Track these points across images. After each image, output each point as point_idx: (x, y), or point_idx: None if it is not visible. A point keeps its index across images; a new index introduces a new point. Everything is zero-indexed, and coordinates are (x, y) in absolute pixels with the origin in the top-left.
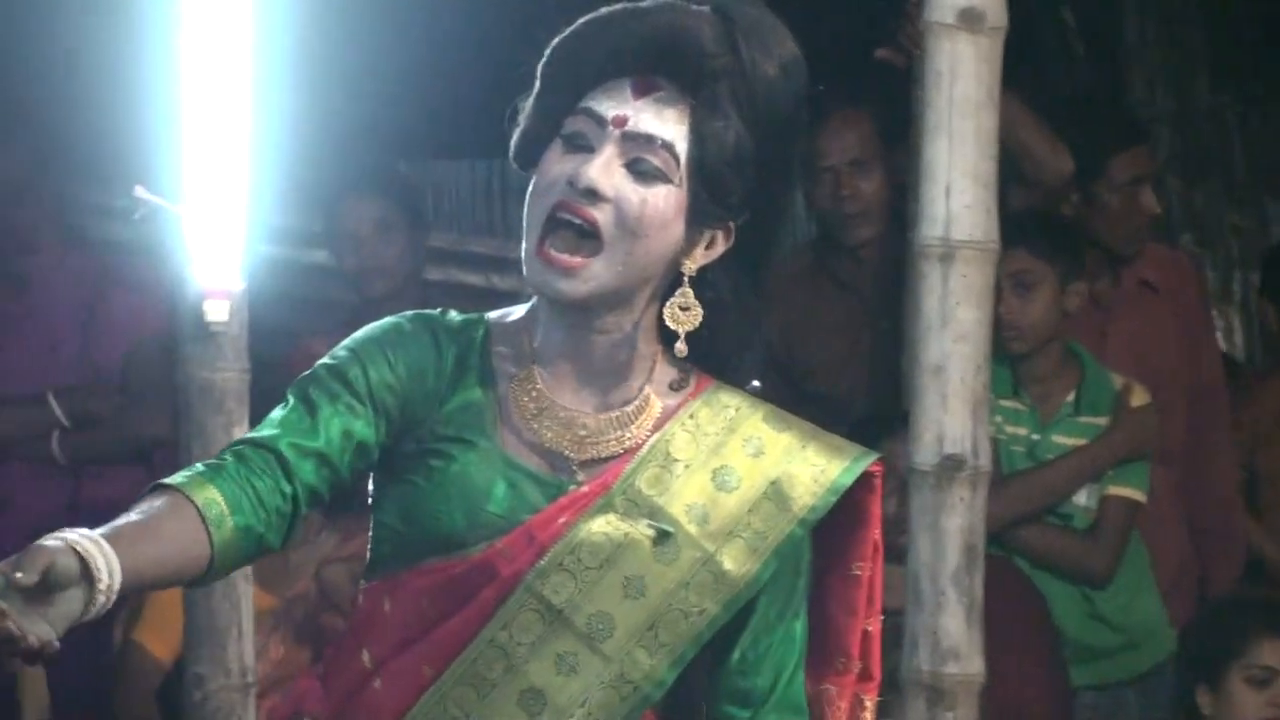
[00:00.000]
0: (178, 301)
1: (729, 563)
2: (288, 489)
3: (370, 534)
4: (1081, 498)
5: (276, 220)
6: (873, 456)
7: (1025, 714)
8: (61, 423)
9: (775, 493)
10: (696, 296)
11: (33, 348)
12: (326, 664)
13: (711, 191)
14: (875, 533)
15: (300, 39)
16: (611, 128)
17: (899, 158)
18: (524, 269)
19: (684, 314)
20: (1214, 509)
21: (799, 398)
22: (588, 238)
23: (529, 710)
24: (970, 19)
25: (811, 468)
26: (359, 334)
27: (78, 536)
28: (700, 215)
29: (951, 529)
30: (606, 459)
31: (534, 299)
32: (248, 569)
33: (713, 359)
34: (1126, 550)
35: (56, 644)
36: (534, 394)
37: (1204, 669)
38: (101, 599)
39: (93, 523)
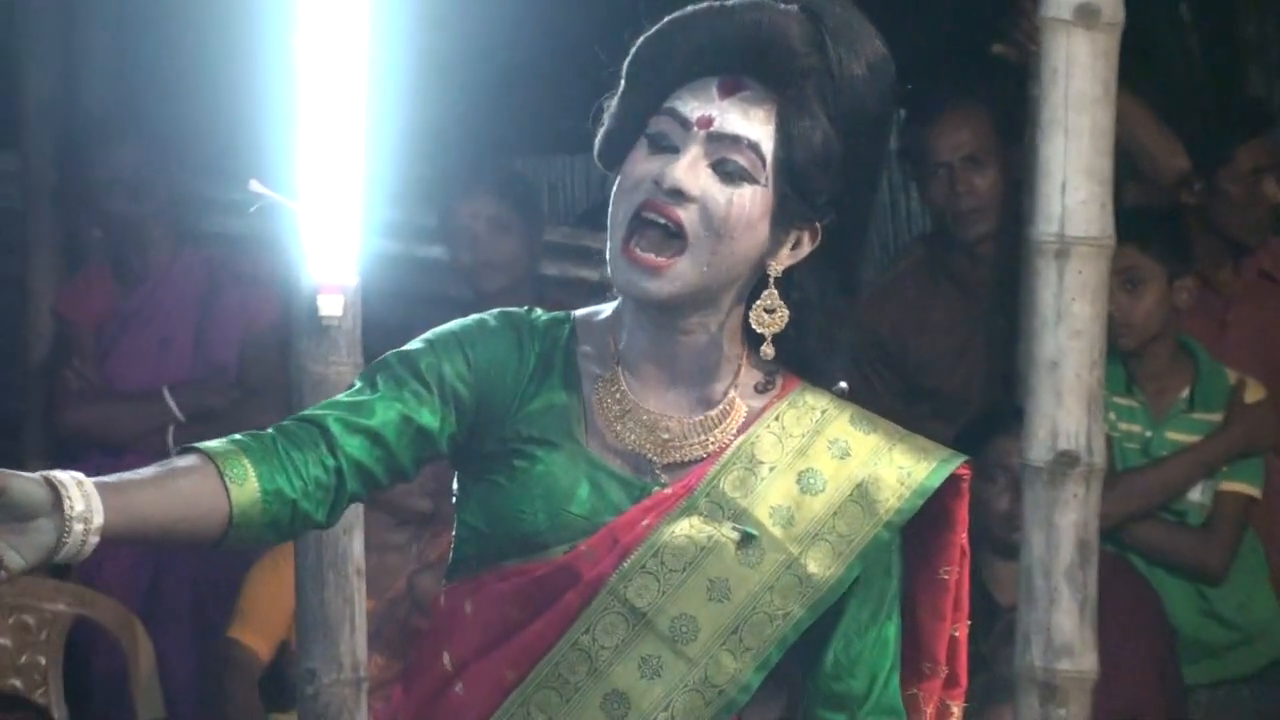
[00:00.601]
0: (292, 296)
1: (813, 565)
2: (330, 461)
3: (454, 534)
4: (1196, 494)
5: (391, 215)
6: (960, 459)
7: (1138, 712)
8: (177, 418)
9: (861, 495)
10: (782, 298)
11: (146, 343)
12: (407, 667)
13: (799, 191)
14: (962, 536)
15: (415, 35)
16: (697, 128)
17: (1015, 154)
18: (609, 269)
19: (769, 316)
20: None
21: (911, 393)
22: (673, 238)
23: (611, 714)
24: (1087, 14)
25: (898, 470)
26: (442, 327)
27: (58, 471)
28: (787, 216)
29: (1065, 525)
30: (690, 462)
31: (620, 298)
32: (359, 563)
33: (800, 361)
34: (1241, 546)
35: (18, 566)
36: (618, 395)
37: None
38: (78, 529)
39: None
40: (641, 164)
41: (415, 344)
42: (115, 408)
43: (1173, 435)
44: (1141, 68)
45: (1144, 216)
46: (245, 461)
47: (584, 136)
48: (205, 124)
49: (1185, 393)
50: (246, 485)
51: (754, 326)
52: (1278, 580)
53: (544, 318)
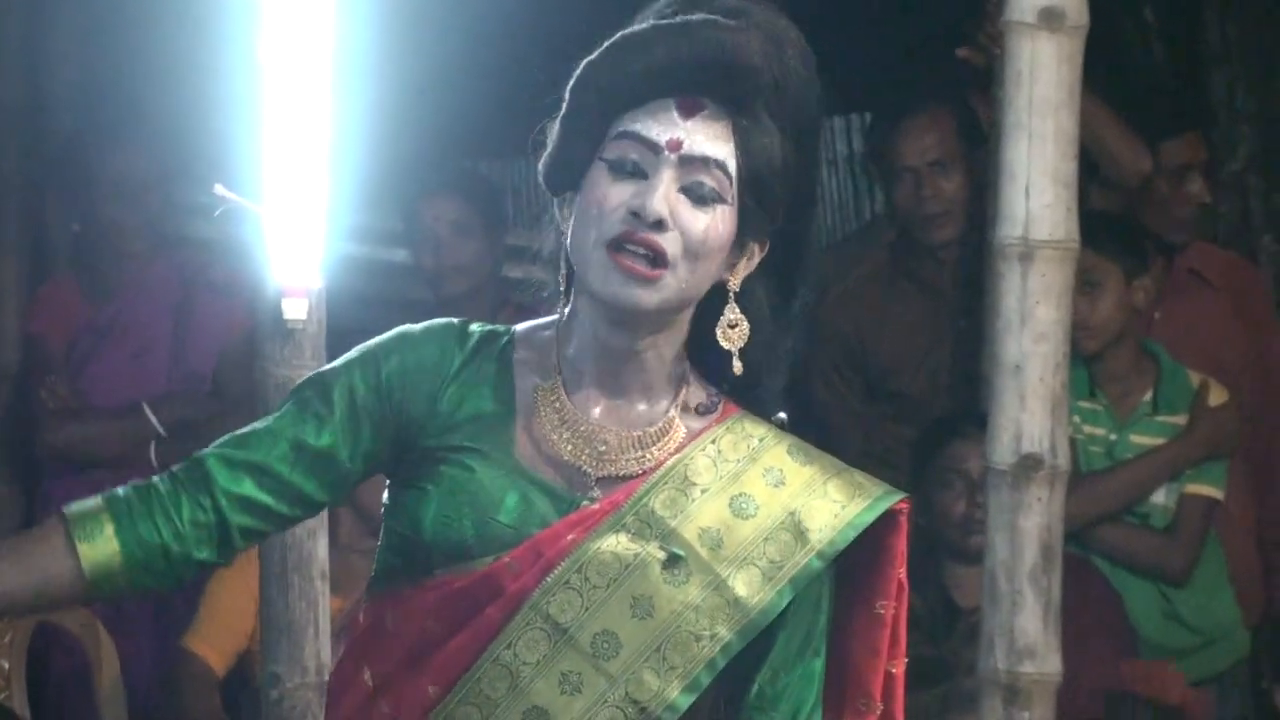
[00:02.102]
0: (257, 299)
1: (741, 588)
2: (206, 501)
3: (379, 544)
4: (1160, 496)
5: (355, 219)
6: (897, 496)
7: (1100, 713)
8: (159, 432)
9: (793, 524)
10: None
11: (121, 356)
12: (330, 685)
13: (761, 205)
14: (900, 571)
15: (380, 39)
16: (667, 152)
17: (980, 157)
18: (590, 284)
19: (733, 331)
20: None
21: (874, 395)
22: (654, 263)
23: None
24: (1051, 18)
25: (833, 504)
26: (368, 342)
27: None
28: (748, 229)
29: (1029, 528)
30: (624, 477)
31: (559, 315)
32: (323, 566)
33: (744, 374)
34: (1203, 549)
35: None
36: (558, 405)
37: None
38: None
39: None
40: (610, 191)
41: (336, 362)
42: (96, 426)
43: (1136, 438)
44: (1105, 71)
45: (1096, 218)
46: (103, 517)
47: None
48: (171, 128)
49: (1148, 395)
50: (99, 540)
51: (721, 343)
52: (1238, 582)
53: (480, 329)
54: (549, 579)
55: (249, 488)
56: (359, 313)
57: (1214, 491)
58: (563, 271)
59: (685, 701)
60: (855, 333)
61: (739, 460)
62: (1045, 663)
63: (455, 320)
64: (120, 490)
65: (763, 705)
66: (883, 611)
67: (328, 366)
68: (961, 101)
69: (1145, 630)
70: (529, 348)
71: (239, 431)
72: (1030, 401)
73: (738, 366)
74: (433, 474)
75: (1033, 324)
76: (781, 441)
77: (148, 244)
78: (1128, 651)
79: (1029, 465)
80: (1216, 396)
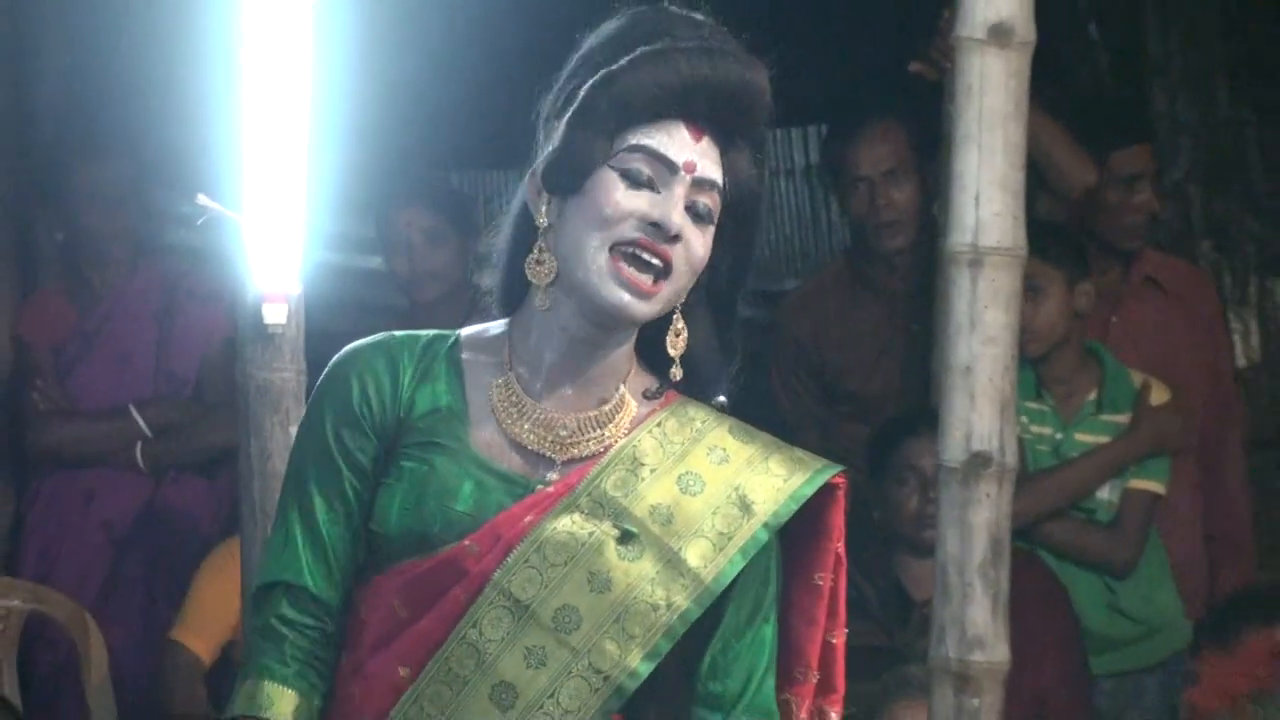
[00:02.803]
0: (238, 305)
1: (694, 559)
2: (330, 626)
3: None
4: (1104, 492)
5: (332, 227)
6: (835, 469)
7: (1047, 700)
8: (145, 433)
9: (738, 498)
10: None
11: (107, 361)
12: None
13: (736, 223)
14: (837, 545)
15: (357, 54)
16: (683, 173)
17: (931, 168)
18: (585, 283)
19: (678, 339)
20: (1225, 515)
21: (831, 396)
22: (659, 272)
23: (500, 705)
24: (999, 34)
25: (774, 477)
26: (325, 389)
27: None
28: (720, 246)
29: (978, 523)
30: (585, 458)
31: (506, 317)
32: None
33: (687, 367)
34: (1146, 543)
35: None
36: (514, 399)
37: None
38: None
39: (167, 522)
40: (622, 198)
41: (317, 428)
42: (85, 427)
43: (1082, 437)
44: (1052, 84)
45: (1039, 226)
46: (299, 702)
47: (516, 152)
48: (154, 138)
49: (1093, 395)
50: (299, 713)
51: (669, 350)
52: (1183, 575)
53: (425, 335)
54: (509, 559)
55: (345, 572)
56: (336, 317)
57: (1157, 487)
58: (550, 266)
59: (646, 668)
60: (812, 337)
61: (684, 441)
62: (994, 652)
63: (394, 332)
64: (284, 666)
65: (715, 674)
66: (820, 583)
67: (313, 440)
68: (914, 114)
69: (1090, 621)
70: (475, 348)
71: (297, 543)
72: (980, 402)
73: (677, 373)
74: (396, 471)
75: (982, 327)
76: (723, 423)
77: (128, 251)
78: (1073, 642)
79: (979, 463)
80: (1158, 396)
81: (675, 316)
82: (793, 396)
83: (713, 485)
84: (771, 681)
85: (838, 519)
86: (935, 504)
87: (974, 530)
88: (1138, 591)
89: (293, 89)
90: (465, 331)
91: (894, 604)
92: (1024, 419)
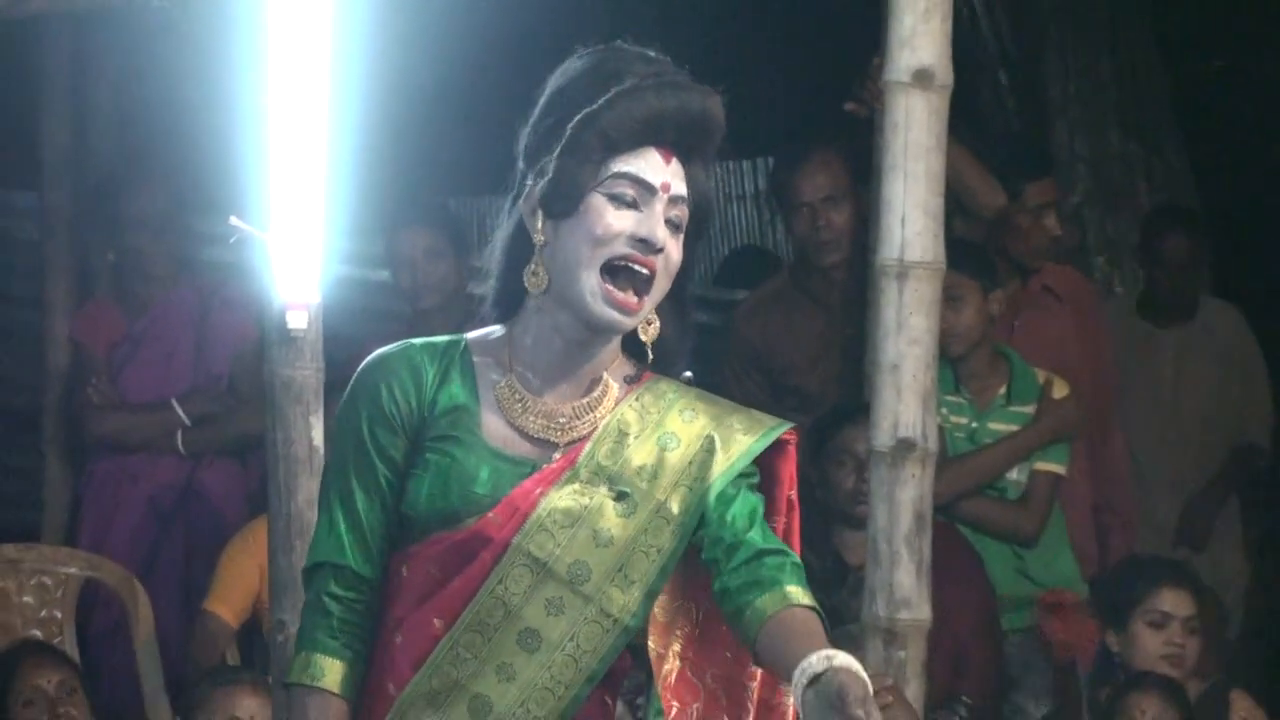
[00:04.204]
0: (264, 312)
1: (676, 507)
2: (371, 598)
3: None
4: (1013, 473)
5: (347, 245)
6: (786, 426)
7: (965, 653)
8: (184, 422)
9: (709, 445)
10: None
11: (152, 361)
12: None
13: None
14: (790, 492)
15: (368, 95)
16: (660, 192)
17: (864, 193)
18: (577, 300)
19: (650, 328)
20: (1112, 488)
21: (778, 391)
22: (644, 282)
23: (527, 648)
24: (922, 79)
25: (736, 431)
26: (357, 393)
27: None
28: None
29: (904, 500)
30: (580, 438)
31: (501, 322)
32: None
33: (657, 350)
34: (1049, 516)
35: None
36: (518, 396)
37: (1113, 615)
38: None
39: (204, 499)
40: (611, 219)
41: (354, 426)
42: (133, 417)
43: (994, 425)
44: (967, 122)
45: (957, 244)
46: (348, 673)
47: (505, 180)
48: (191, 168)
49: (1003, 390)
50: (354, 682)
51: (641, 337)
52: (1076, 544)
53: (441, 341)
54: (526, 525)
55: (381, 551)
56: (350, 323)
57: (1058, 469)
58: (543, 277)
59: (647, 607)
60: (761, 340)
61: (660, 410)
62: (918, 611)
63: (413, 340)
64: (333, 638)
65: (724, 531)
66: (776, 525)
67: (350, 436)
68: (849, 146)
69: (1000, 584)
70: (482, 351)
71: (340, 527)
72: (905, 395)
73: (650, 358)
74: (423, 462)
75: (907, 331)
76: (690, 391)
77: (170, 267)
78: (987, 602)
79: (904, 448)
80: (1059, 390)
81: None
82: (744, 391)
83: (686, 440)
84: (764, 524)
85: (789, 469)
86: (867, 483)
87: (901, 506)
88: (1041, 558)
89: (312, 124)
90: (471, 336)
91: (832, 570)
92: (944, 410)
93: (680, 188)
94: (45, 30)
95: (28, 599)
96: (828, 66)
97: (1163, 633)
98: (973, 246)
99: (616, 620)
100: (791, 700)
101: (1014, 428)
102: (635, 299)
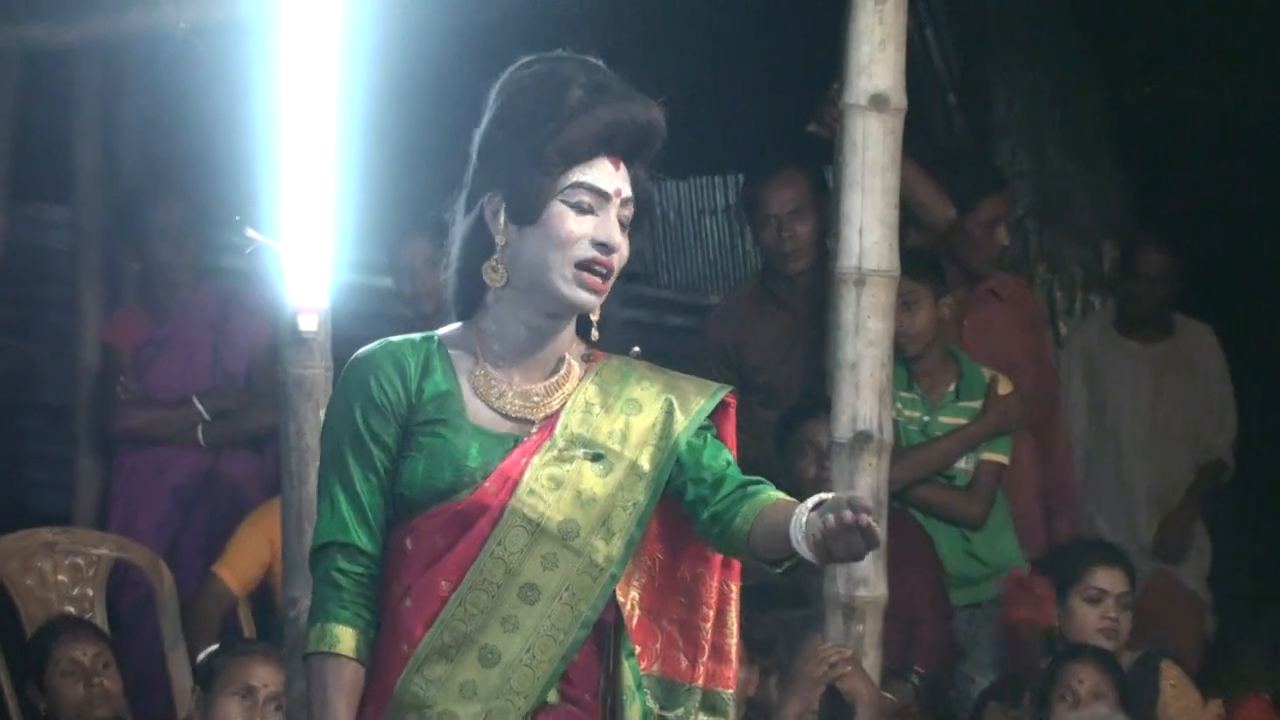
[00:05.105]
0: (278, 315)
1: (646, 464)
2: (375, 569)
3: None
4: (962, 462)
5: (354, 254)
6: (728, 389)
7: (917, 626)
8: (204, 418)
9: (669, 408)
10: None
11: (175, 361)
12: None
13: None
14: (731, 449)
15: (373, 115)
16: (614, 198)
17: (825, 206)
18: (553, 288)
19: (598, 308)
20: (1056, 476)
21: (746, 388)
22: (604, 275)
23: (527, 600)
24: (878, 102)
25: (689, 394)
26: (347, 388)
27: None
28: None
29: (862, 487)
30: (553, 413)
31: (464, 319)
32: None
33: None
34: (994, 502)
35: None
36: (493, 381)
37: (1054, 592)
38: None
39: (223, 487)
40: (573, 224)
41: (348, 417)
42: (158, 413)
43: (944, 419)
44: (920, 141)
45: (911, 253)
46: (361, 640)
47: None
48: (210, 184)
49: (952, 387)
50: (359, 646)
51: (591, 317)
52: (1019, 527)
53: (415, 337)
54: (519, 490)
55: (381, 527)
56: (356, 325)
57: (1003, 458)
58: (503, 273)
59: (627, 554)
60: (732, 341)
61: (619, 382)
62: (875, 588)
63: (391, 338)
64: (346, 609)
65: (702, 473)
66: None
67: (344, 427)
68: (812, 163)
69: (949, 564)
70: (454, 344)
71: (343, 509)
72: (863, 391)
73: (595, 334)
74: (416, 445)
75: (865, 333)
76: (640, 364)
77: (191, 276)
78: (937, 580)
79: (862, 439)
80: (1004, 387)
81: None
82: None
83: (648, 404)
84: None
85: (730, 429)
86: (829, 471)
87: (859, 492)
88: (986, 540)
89: (321, 143)
90: (442, 332)
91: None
92: (898, 405)
93: (628, 190)
94: (78, 59)
95: (62, 577)
96: (793, 92)
97: (1098, 608)
98: (925, 255)
99: (603, 570)
100: (733, 641)
101: (962, 421)
102: (601, 282)
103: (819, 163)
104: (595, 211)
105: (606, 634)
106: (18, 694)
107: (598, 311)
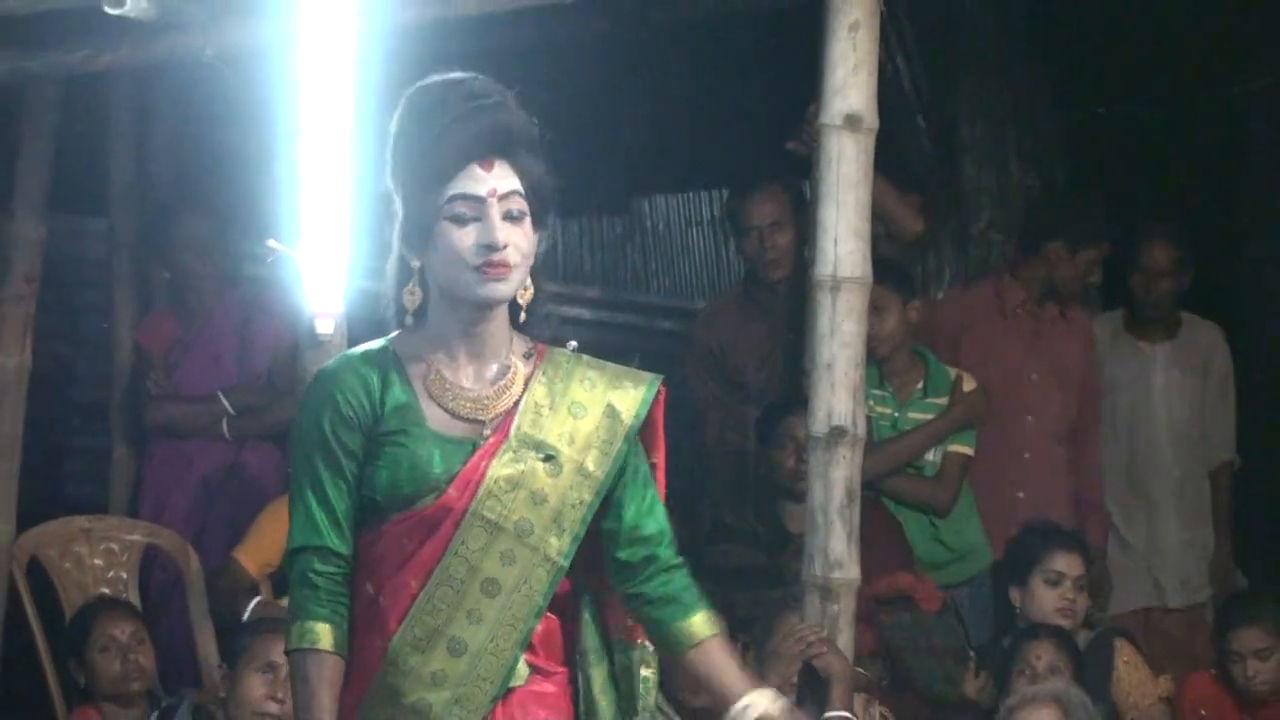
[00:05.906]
0: (297, 319)
1: (591, 465)
2: (347, 569)
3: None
4: (930, 454)
5: (367, 262)
6: (660, 379)
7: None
8: (229, 412)
9: (611, 411)
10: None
11: (203, 360)
12: None
13: (541, 204)
14: (660, 430)
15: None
16: (489, 199)
17: (804, 218)
18: (466, 292)
19: (526, 292)
20: (1087, 484)
21: (730, 387)
22: (502, 269)
23: (489, 594)
24: (852, 122)
25: (627, 391)
26: (314, 403)
27: None
28: (539, 223)
29: (837, 478)
30: (503, 413)
31: (419, 324)
32: None
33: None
34: (960, 491)
35: None
36: (445, 386)
37: (1015, 574)
38: None
39: (246, 478)
40: (461, 239)
41: (320, 425)
42: (186, 408)
43: (913, 415)
44: (890, 158)
45: (881, 262)
46: (339, 638)
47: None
48: (234, 197)
49: (920, 385)
50: (337, 640)
51: (519, 302)
52: (985, 514)
53: (373, 349)
54: (479, 493)
55: (352, 530)
56: (369, 329)
57: (967, 450)
58: (418, 296)
59: (573, 549)
60: (717, 343)
61: (563, 380)
62: (848, 571)
63: (349, 352)
64: (323, 609)
65: (638, 524)
66: (656, 461)
67: (315, 436)
68: (791, 177)
69: (917, 549)
70: (407, 351)
71: (316, 515)
72: (838, 390)
73: (522, 316)
74: (380, 454)
75: (839, 335)
76: (581, 360)
77: (217, 283)
78: (907, 564)
79: (837, 434)
80: (968, 385)
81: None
82: (702, 386)
83: (592, 407)
84: (660, 508)
85: (660, 412)
86: (806, 464)
87: (834, 483)
88: (953, 527)
89: (337, 160)
90: (396, 339)
91: (776, 537)
92: (870, 402)
93: (506, 184)
94: (113, 83)
95: (97, 561)
96: (773, 113)
97: (1057, 589)
98: (895, 264)
99: (554, 563)
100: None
101: (930, 416)
102: (506, 272)
103: (798, 178)
104: (477, 218)
105: (566, 603)
106: (56, 670)
107: (525, 296)
